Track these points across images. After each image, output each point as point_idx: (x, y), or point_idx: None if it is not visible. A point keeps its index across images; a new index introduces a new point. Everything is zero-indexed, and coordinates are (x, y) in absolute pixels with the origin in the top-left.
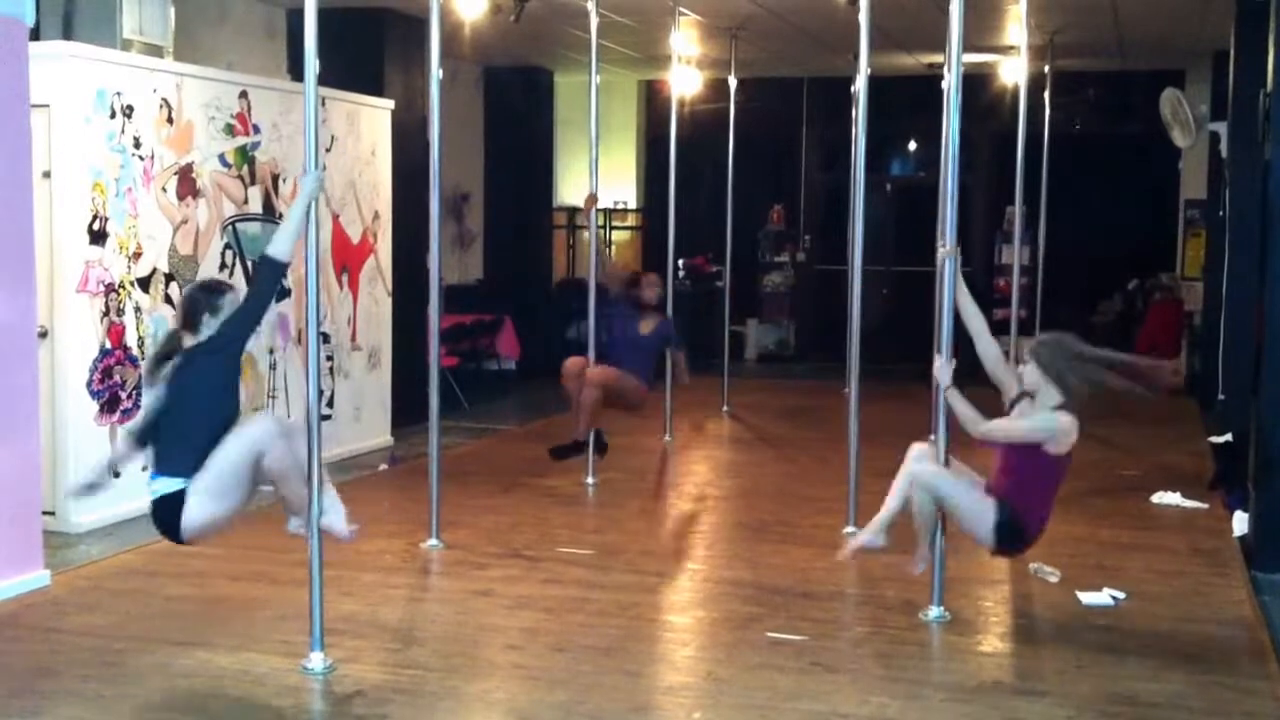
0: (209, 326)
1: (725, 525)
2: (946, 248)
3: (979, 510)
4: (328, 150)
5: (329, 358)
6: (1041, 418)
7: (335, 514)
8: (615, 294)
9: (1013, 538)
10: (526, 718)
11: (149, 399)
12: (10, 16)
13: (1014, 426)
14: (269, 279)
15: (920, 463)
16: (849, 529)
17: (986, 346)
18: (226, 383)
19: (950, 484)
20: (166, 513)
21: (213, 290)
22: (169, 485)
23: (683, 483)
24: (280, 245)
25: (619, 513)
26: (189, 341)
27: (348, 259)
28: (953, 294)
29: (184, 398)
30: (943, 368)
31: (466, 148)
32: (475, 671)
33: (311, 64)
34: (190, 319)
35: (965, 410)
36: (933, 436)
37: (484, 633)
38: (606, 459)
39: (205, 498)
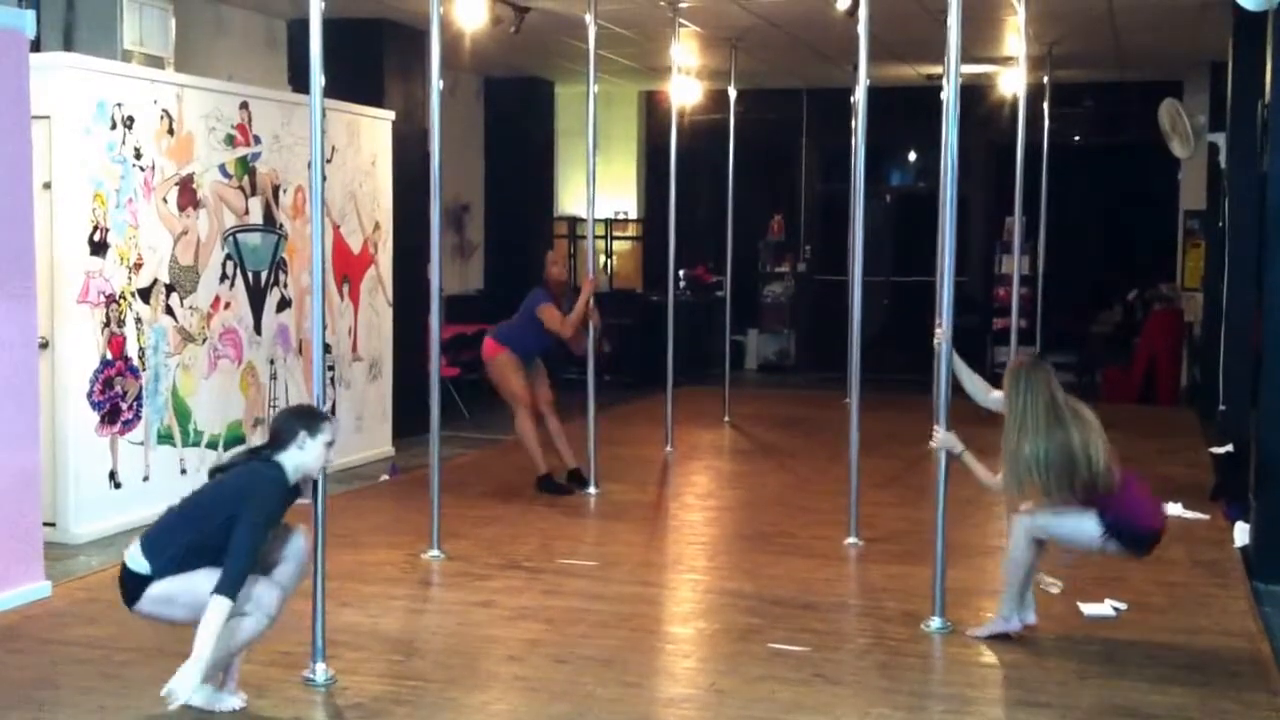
0: (300, 448)
1: (726, 536)
2: (941, 330)
3: (1078, 522)
4: (328, 161)
5: (330, 368)
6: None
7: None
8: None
9: (1128, 535)
10: None
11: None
12: (11, 28)
13: (1004, 473)
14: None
15: (1023, 519)
16: (850, 539)
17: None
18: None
19: (1048, 515)
20: (131, 582)
21: (315, 414)
22: (139, 565)
23: (683, 493)
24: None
25: (620, 523)
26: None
27: (348, 269)
28: (949, 370)
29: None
30: (946, 438)
31: (467, 158)
32: (476, 683)
33: (317, 93)
34: (284, 436)
35: (981, 473)
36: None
37: (485, 644)
38: (605, 469)
39: (164, 605)
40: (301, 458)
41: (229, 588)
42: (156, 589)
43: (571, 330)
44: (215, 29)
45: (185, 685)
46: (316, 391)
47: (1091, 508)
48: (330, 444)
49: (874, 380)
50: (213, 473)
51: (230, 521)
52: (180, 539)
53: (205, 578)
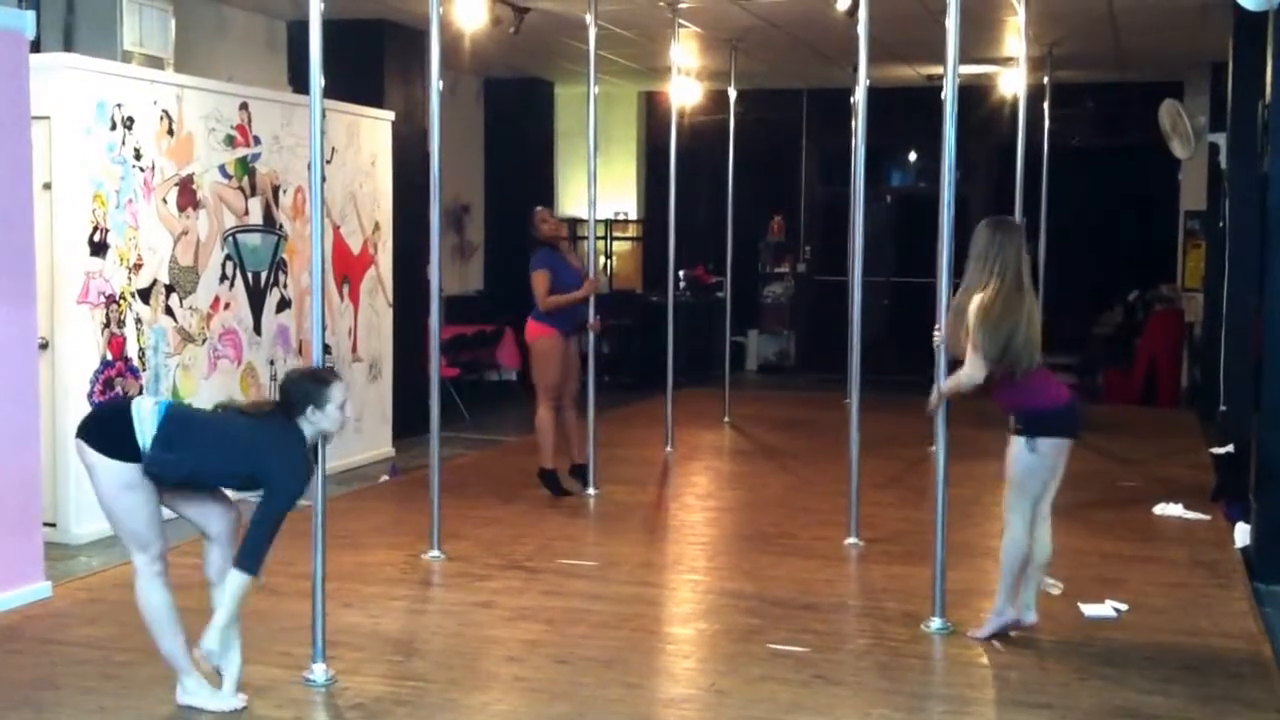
0: (311, 421)
1: (726, 537)
2: (940, 331)
3: (1015, 458)
4: (328, 162)
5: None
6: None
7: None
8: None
9: (1036, 422)
10: None
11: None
12: (11, 29)
13: (970, 355)
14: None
15: (1007, 510)
16: (850, 540)
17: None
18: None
19: (1008, 486)
20: (116, 433)
21: (321, 380)
22: (143, 436)
23: (684, 494)
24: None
25: (620, 524)
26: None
27: (348, 270)
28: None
29: (214, 443)
30: (937, 397)
31: (467, 159)
32: (476, 683)
33: (317, 92)
34: (295, 406)
35: (954, 380)
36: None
37: (485, 644)
38: (605, 470)
39: (114, 490)
40: (313, 428)
41: (253, 564)
42: (131, 476)
43: (544, 308)
44: (215, 30)
45: (212, 641)
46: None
47: (1002, 403)
48: (343, 405)
49: (874, 381)
50: (220, 408)
51: (243, 476)
52: (189, 460)
53: (151, 529)
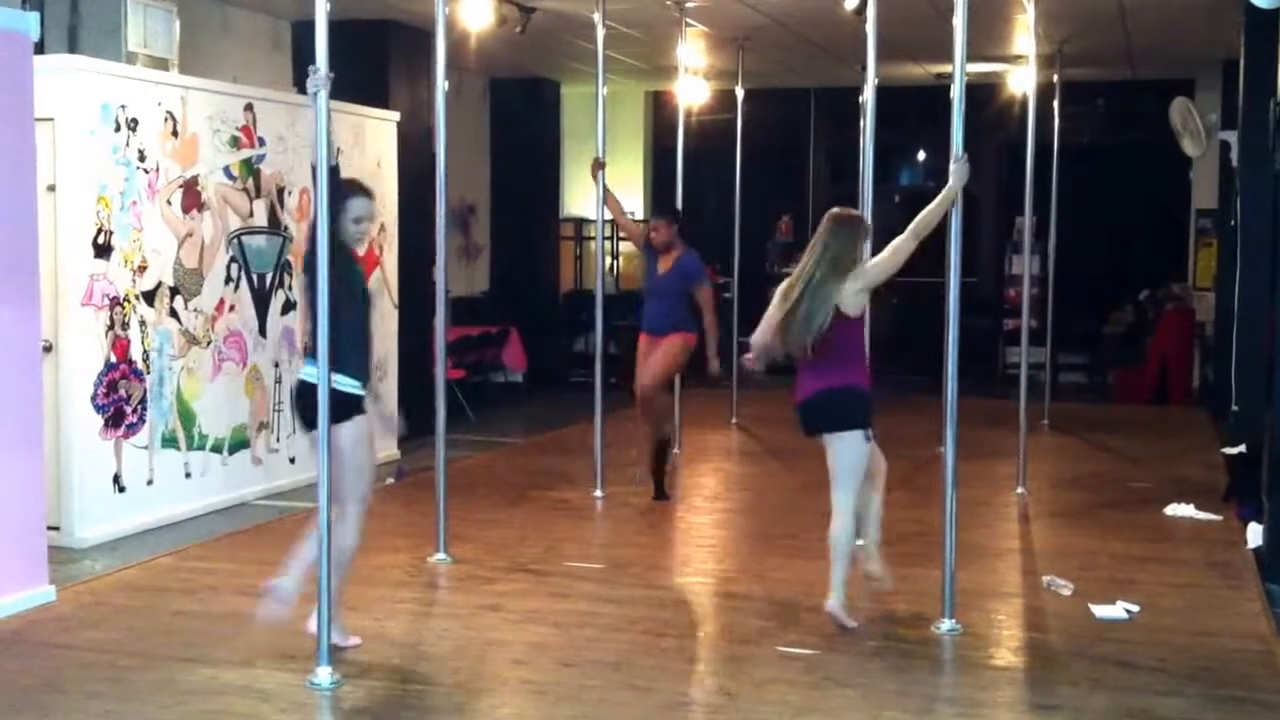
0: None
1: (734, 538)
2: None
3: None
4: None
5: None
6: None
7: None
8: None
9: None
10: None
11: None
12: (15, 30)
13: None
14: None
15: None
16: (859, 541)
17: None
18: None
19: (838, 476)
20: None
21: (346, 189)
22: (342, 383)
23: (691, 495)
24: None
25: (627, 526)
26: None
27: None
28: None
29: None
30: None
31: (472, 159)
32: (482, 686)
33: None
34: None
35: (757, 337)
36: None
37: (491, 647)
38: (611, 472)
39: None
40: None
41: None
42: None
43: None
44: (220, 30)
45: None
46: (321, 394)
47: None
48: (358, 220)
49: (882, 381)
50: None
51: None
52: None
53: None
